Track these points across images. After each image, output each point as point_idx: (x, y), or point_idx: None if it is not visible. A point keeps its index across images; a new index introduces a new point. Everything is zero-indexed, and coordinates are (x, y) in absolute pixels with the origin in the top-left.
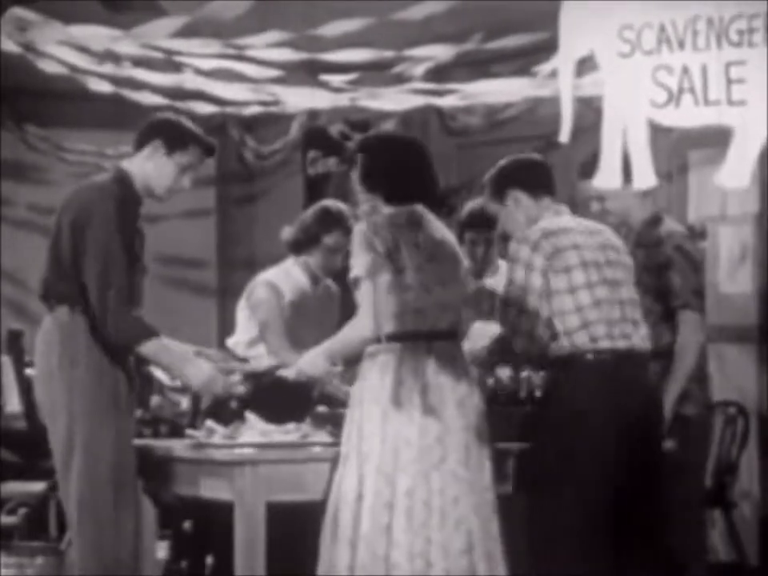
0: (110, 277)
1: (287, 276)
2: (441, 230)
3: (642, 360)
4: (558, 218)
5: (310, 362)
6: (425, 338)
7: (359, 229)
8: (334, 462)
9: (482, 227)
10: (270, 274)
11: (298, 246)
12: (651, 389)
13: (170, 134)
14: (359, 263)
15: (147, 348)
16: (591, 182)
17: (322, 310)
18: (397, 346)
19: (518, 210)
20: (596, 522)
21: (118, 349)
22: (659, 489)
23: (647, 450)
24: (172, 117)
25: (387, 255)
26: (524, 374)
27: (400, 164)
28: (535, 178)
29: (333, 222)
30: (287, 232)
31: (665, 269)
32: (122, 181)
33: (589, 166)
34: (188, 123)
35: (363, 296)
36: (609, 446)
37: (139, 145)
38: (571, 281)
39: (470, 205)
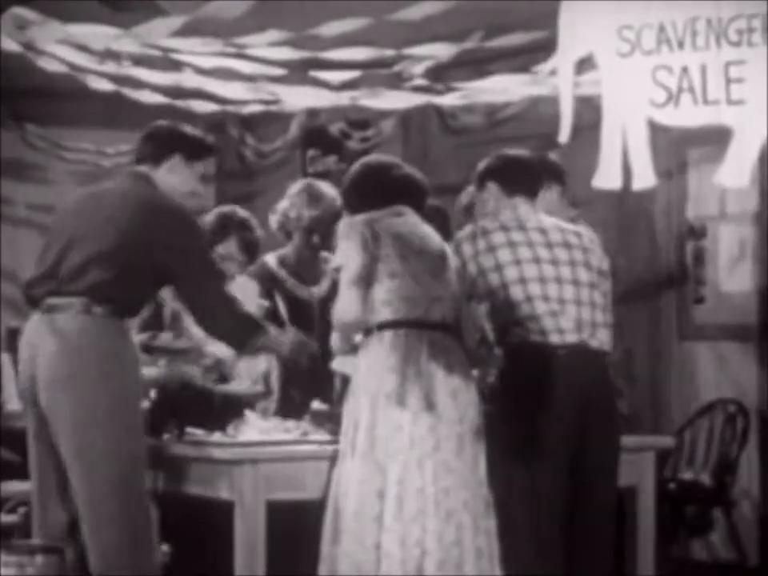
0: (213, 272)
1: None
2: (425, 228)
3: (595, 358)
4: (506, 215)
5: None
6: (416, 326)
7: (341, 224)
8: (333, 460)
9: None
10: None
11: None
12: (601, 385)
13: (188, 149)
14: (338, 253)
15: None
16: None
17: None
18: (389, 334)
19: (490, 201)
20: (547, 514)
21: (235, 348)
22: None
23: (593, 445)
24: (186, 129)
25: (365, 244)
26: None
27: (362, 192)
28: (512, 176)
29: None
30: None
31: None
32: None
33: None
34: (192, 130)
35: (342, 283)
36: (553, 438)
37: (158, 158)
38: (503, 277)
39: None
